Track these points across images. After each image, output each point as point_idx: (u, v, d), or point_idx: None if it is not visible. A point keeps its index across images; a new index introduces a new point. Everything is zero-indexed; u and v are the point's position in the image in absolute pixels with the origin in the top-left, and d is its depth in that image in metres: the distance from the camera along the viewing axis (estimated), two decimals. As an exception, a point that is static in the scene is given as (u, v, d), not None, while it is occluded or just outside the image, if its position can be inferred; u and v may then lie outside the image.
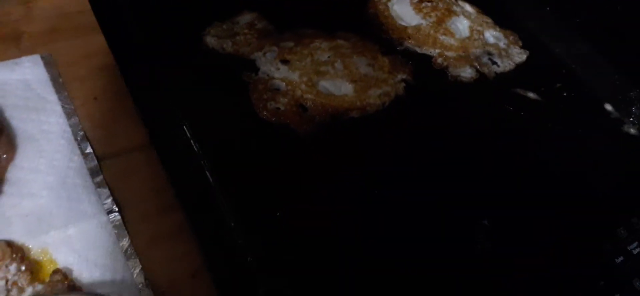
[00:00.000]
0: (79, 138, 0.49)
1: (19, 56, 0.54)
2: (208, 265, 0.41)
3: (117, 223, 0.45)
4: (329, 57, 0.57)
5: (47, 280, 0.40)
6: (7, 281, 0.39)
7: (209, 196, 0.43)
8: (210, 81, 0.53)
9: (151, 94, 0.49)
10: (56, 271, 0.40)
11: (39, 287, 0.39)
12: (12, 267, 0.39)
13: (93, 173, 0.47)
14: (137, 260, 0.43)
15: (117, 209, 0.45)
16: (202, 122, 0.47)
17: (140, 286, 0.42)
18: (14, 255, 0.39)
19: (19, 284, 0.39)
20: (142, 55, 0.52)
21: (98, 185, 0.46)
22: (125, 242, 0.44)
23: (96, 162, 0.48)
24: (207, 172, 0.45)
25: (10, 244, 0.40)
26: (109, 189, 0.46)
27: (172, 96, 0.49)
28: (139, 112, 0.48)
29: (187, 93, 0.50)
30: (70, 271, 0.41)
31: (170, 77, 0.50)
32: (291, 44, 0.58)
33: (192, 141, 0.46)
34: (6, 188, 0.44)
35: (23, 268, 0.39)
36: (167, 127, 0.47)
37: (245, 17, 0.60)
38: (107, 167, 0.48)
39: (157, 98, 0.49)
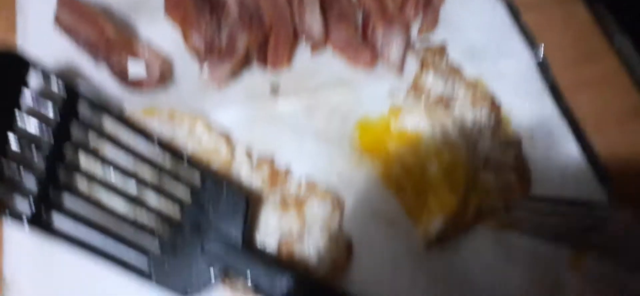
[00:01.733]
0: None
1: None
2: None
3: (543, 64, 0.47)
4: None
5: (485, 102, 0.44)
6: (453, 88, 0.44)
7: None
8: None
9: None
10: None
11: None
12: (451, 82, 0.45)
13: (516, 19, 0.50)
14: (563, 100, 0.45)
15: (542, 52, 0.47)
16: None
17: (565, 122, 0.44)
18: (457, 73, 0.45)
19: (458, 95, 0.44)
20: None
21: (521, 29, 0.49)
22: (550, 83, 0.46)
23: (517, 9, 0.50)
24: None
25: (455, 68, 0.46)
26: (532, 34, 0.48)
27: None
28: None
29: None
30: (500, 102, 0.45)
31: None
32: None
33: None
34: (441, 25, 0.50)
35: (461, 83, 0.45)
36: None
37: None
38: (526, 16, 0.50)
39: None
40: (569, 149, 0.44)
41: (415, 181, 0.41)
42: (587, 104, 0.45)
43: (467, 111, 0.43)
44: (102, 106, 0.37)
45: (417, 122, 0.42)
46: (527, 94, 0.46)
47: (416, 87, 0.44)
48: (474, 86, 0.44)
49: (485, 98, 0.44)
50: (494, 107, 0.44)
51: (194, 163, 0.37)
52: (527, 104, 0.45)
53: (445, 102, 0.44)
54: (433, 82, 0.44)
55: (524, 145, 0.44)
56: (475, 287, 0.39)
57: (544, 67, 0.47)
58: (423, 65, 0.46)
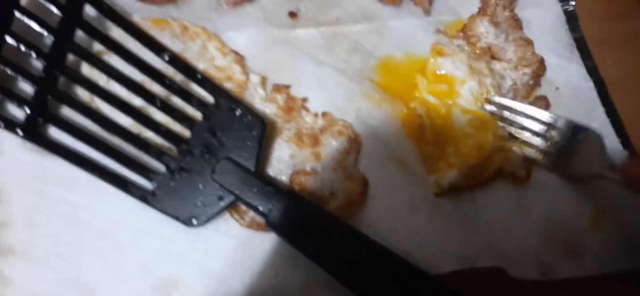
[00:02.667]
0: None
1: None
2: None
3: (571, 17, 0.45)
4: None
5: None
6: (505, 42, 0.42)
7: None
8: None
9: None
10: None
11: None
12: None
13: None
14: (590, 56, 0.44)
15: (573, 3, 0.45)
16: None
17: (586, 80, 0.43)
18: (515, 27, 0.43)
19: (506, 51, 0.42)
20: None
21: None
22: (578, 36, 0.44)
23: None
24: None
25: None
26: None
27: None
28: None
29: None
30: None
31: None
32: None
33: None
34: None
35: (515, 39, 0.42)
36: None
37: None
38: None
39: None
40: (593, 107, 0.43)
41: (437, 128, 0.39)
42: (613, 62, 0.44)
43: (510, 71, 0.41)
44: (110, 8, 0.34)
45: (455, 68, 0.40)
46: (553, 46, 0.44)
47: (467, 31, 0.42)
48: (526, 45, 0.42)
49: (532, 62, 0.41)
50: (540, 67, 0.41)
51: (207, 79, 0.34)
52: (553, 58, 0.43)
53: (491, 53, 0.41)
54: (486, 30, 0.41)
55: (549, 98, 0.42)
56: (490, 239, 0.37)
57: (572, 20, 0.45)
58: (482, 10, 0.42)
